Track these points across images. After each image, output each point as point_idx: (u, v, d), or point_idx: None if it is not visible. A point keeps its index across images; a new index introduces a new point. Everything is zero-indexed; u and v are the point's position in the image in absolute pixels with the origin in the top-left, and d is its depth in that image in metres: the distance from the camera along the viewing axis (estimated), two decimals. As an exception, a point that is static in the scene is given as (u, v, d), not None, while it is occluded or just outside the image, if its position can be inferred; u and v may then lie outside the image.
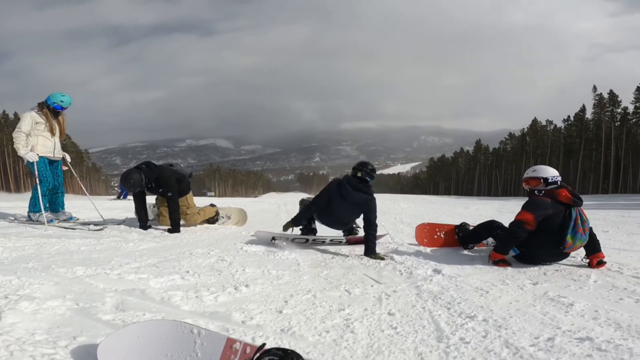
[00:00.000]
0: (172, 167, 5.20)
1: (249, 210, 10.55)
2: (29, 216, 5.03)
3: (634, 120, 46.78)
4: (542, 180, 3.26)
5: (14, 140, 4.84)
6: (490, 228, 3.62)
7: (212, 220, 5.64)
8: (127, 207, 9.71)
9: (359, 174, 3.87)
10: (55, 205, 5.22)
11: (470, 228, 3.88)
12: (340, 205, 3.83)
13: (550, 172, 3.29)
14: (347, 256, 3.44)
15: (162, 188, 4.83)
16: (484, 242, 3.89)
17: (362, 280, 2.65)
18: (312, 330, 1.74)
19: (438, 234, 3.96)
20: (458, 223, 4.06)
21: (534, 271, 2.97)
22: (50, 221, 4.89)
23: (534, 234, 3.11)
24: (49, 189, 4.99)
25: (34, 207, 4.93)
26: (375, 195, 3.87)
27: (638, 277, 2.74)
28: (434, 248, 3.85)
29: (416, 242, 4.00)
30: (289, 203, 14.47)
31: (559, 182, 3.23)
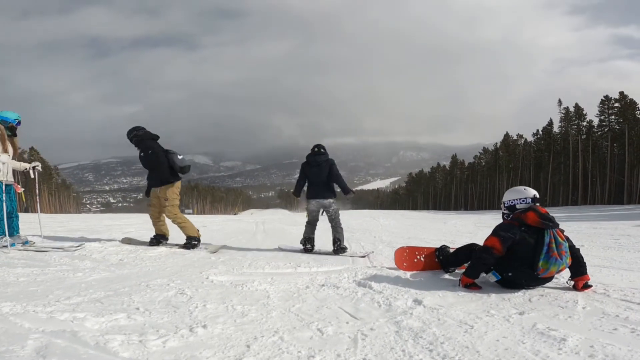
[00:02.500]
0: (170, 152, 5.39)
1: (226, 231, 10.12)
2: None
3: (599, 133, 49.04)
4: (503, 204, 3.25)
5: None
6: (470, 252, 3.46)
7: (190, 245, 5.27)
8: (91, 229, 9.12)
9: (315, 149, 5.43)
10: (10, 230, 4.82)
11: (451, 251, 3.71)
12: (315, 172, 5.32)
13: (507, 196, 3.24)
14: (323, 285, 3.16)
15: (144, 153, 5.29)
16: (465, 265, 3.72)
17: (336, 316, 2.38)
18: (274, 386, 1.47)
19: (418, 257, 3.75)
20: (438, 245, 3.89)
21: (518, 297, 2.79)
22: (12, 245, 4.59)
23: (509, 259, 2.97)
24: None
25: None
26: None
27: (627, 301, 2.61)
28: (414, 272, 3.64)
29: (395, 266, 3.78)
30: (267, 221, 14.09)
31: (527, 204, 3.10)
